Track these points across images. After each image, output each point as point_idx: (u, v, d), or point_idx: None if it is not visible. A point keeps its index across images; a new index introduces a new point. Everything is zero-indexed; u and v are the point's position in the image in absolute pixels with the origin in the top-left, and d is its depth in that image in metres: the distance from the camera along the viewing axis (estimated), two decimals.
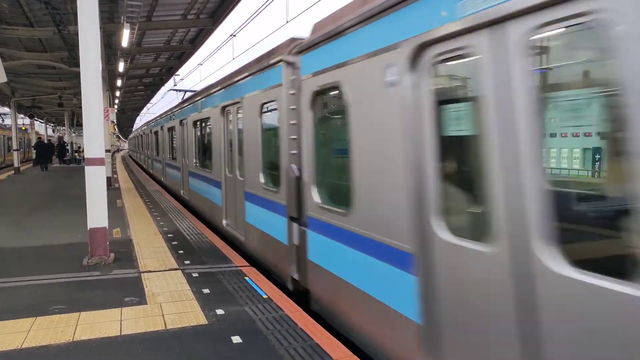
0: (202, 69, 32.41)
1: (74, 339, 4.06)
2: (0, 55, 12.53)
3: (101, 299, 5.10)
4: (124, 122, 64.19)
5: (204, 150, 10.75)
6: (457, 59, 3.01)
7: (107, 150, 14.35)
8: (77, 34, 6.58)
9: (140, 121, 60.74)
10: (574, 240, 2.46)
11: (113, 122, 19.94)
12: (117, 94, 28.14)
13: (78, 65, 6.68)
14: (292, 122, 5.27)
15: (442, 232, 3.09)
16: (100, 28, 6.91)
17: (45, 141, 33.09)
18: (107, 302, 4.98)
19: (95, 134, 6.57)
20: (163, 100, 51.15)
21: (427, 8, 3.08)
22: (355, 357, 3.74)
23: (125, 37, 13.48)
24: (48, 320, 4.48)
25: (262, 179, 6.42)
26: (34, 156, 31.73)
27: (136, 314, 4.66)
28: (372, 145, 3.75)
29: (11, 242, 8.00)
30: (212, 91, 9.44)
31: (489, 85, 2.66)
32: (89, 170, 6.54)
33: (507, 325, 2.59)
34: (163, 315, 4.62)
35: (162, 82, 30.69)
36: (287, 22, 13.98)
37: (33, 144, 31.41)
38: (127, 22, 12.19)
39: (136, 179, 21.28)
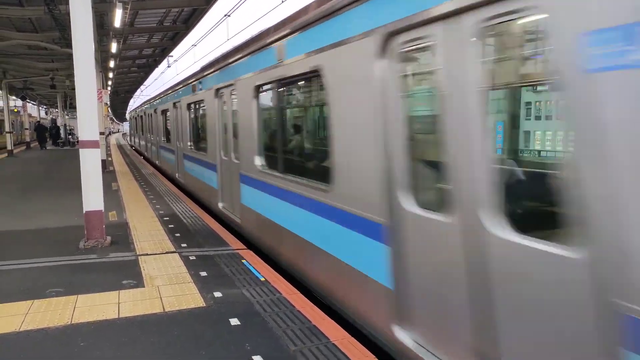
0: (196, 50, 31.94)
1: (72, 322, 4.07)
2: None
3: (98, 282, 5.10)
4: (117, 104, 63.63)
5: (287, 138, 6.02)
6: None
7: (102, 133, 14.22)
8: (68, 14, 6.44)
9: (134, 103, 60.10)
10: None
11: (107, 104, 19.67)
12: (110, 75, 27.79)
13: (70, 46, 6.56)
14: None
15: None
16: (92, 7, 6.75)
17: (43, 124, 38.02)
18: (104, 285, 4.98)
19: (88, 116, 6.48)
20: (156, 82, 50.50)
21: None
22: (352, 337, 3.77)
23: (118, 17, 13.25)
24: (46, 303, 4.48)
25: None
26: (27, 139, 34.56)
27: (134, 297, 4.66)
28: None
29: (6, 225, 7.96)
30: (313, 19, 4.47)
31: None
32: (83, 153, 6.47)
33: None
34: (161, 298, 4.63)
35: (156, 63, 30.32)
36: (283, 1, 13.77)
37: (34, 127, 35.52)
38: (119, 2, 11.96)
39: (131, 162, 21.16)
